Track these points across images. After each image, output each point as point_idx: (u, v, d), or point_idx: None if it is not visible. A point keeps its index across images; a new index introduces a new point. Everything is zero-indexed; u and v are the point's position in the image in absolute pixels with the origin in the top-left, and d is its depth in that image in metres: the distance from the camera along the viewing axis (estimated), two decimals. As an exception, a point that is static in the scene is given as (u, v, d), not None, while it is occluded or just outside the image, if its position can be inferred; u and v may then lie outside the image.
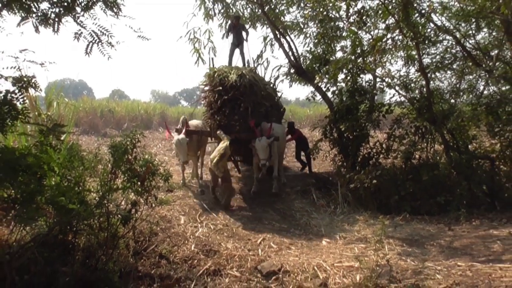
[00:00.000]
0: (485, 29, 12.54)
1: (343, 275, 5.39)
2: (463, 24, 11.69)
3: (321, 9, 11.65)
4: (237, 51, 12.60)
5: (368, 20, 10.16)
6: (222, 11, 13.27)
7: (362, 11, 9.36)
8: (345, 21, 12.20)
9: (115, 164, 5.19)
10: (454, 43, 10.93)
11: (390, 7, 8.84)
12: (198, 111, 33.04)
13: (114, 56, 5.27)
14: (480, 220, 7.82)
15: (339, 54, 12.24)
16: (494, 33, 12.85)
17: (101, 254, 5.40)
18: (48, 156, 4.60)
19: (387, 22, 9.85)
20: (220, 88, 10.16)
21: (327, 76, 10.54)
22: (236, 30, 12.37)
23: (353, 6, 9.42)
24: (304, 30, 13.40)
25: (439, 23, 10.13)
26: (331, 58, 11.85)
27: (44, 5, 4.94)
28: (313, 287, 5.24)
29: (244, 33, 12.48)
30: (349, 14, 9.71)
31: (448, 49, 11.36)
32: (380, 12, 9.52)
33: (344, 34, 12.18)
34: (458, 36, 10.59)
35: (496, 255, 5.76)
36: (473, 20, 11.26)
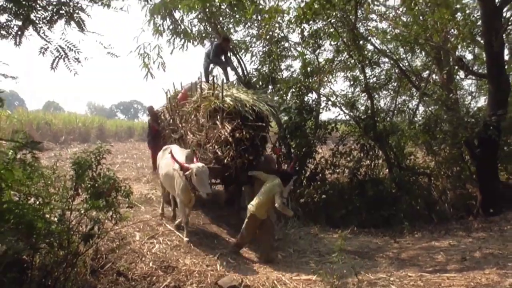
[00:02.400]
0: (419, 54, 13.46)
1: (303, 288, 5.52)
2: (400, 49, 12.49)
3: (268, 30, 11.99)
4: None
5: (320, 42, 10.56)
6: (170, 27, 13.27)
7: (316, 34, 9.75)
8: (290, 42, 12.65)
9: (78, 181, 5.04)
10: (392, 65, 11.65)
11: (340, 30, 9.31)
12: (136, 124, 32.61)
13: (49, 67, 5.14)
14: (421, 232, 8.30)
15: (285, 73, 12.66)
16: (425, 58, 13.83)
17: (60, 273, 5.21)
18: (9, 173, 4.41)
19: (337, 43, 10.33)
20: (239, 121, 8.23)
21: (278, 94, 10.81)
22: (223, 49, 10.97)
23: (307, 30, 9.79)
24: (251, 49, 13.72)
25: (381, 46, 10.80)
26: (277, 77, 12.22)
27: (3, 17, 4.78)
28: (275, 301, 5.35)
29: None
30: (304, 37, 10.07)
31: (387, 71, 12.07)
32: (330, 35, 10.00)
33: (290, 54, 12.65)
34: (395, 58, 11.31)
35: (441, 265, 6.15)
36: (409, 45, 12.06)
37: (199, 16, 12.55)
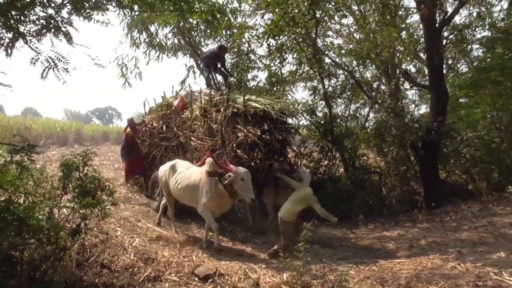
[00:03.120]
0: (370, 67, 13.90)
1: (272, 275, 5.64)
2: (354, 62, 12.88)
3: (238, 44, 12.14)
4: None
5: (285, 55, 10.75)
6: (146, 40, 13.26)
7: (281, 48, 9.96)
8: (256, 54, 12.81)
9: (65, 180, 5.02)
10: (347, 76, 12.01)
11: (302, 45, 9.55)
12: (111, 129, 32.06)
13: (28, 74, 5.14)
14: (374, 224, 8.59)
15: (252, 83, 12.80)
16: (375, 71, 14.30)
17: (48, 267, 5.15)
18: (2, 175, 4.38)
19: (299, 57, 10.55)
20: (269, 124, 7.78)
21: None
22: (220, 58, 10.32)
23: (273, 44, 9.98)
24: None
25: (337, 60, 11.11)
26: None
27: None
28: (247, 286, 5.43)
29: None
30: (270, 50, 10.26)
31: (343, 82, 12.42)
32: (293, 50, 10.23)
33: (256, 65, 12.84)
34: (350, 70, 11.67)
35: (392, 252, 6.40)
36: (361, 59, 12.46)
37: (174, 30, 12.61)
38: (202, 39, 13.51)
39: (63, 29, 4.98)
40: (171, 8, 5.00)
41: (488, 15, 13.71)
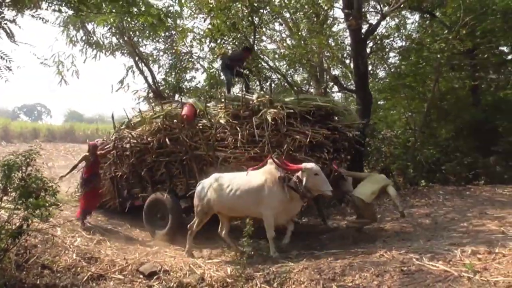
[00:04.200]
0: (301, 71, 14.37)
1: (217, 270, 5.64)
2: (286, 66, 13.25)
3: (179, 45, 11.98)
4: None
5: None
6: (83, 38, 12.64)
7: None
8: (194, 55, 12.73)
9: (7, 181, 4.70)
10: (280, 79, 12.34)
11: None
12: (41, 126, 30.12)
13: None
14: (309, 217, 8.89)
15: (193, 83, 12.72)
16: (306, 75, 14.80)
17: (-14, 270, 4.80)
18: None
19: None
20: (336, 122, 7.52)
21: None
22: (243, 59, 9.21)
23: (215, 48, 9.99)
24: (158, 60, 13.55)
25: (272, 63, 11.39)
26: (183, 86, 12.26)
27: None
28: (193, 282, 5.40)
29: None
30: (212, 53, 10.26)
31: (277, 84, 12.74)
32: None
33: (194, 66, 12.77)
34: (283, 74, 12.02)
35: (327, 244, 6.67)
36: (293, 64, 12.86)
37: (112, 29, 12.16)
38: (140, 39, 13.17)
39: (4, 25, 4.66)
40: (119, 10, 4.85)
41: (404, 26, 14.74)
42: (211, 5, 9.29)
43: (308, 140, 6.62)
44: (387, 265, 4.87)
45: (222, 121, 7.22)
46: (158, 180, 7.90)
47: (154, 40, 13.17)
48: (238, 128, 7.02)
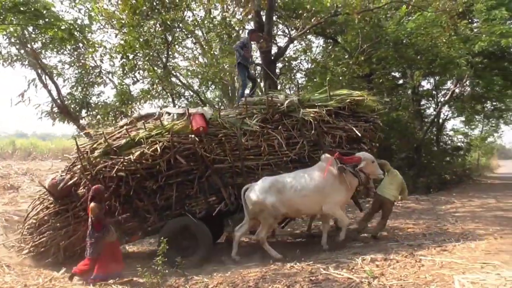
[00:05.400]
0: (213, 89, 14.64)
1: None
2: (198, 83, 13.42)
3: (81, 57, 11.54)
4: None
5: (138, 75, 10.58)
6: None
7: (135, 67, 9.82)
8: (104, 70, 12.33)
9: None
10: (193, 96, 12.47)
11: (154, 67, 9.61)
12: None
13: None
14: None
15: (98, 99, 12.25)
16: (218, 92, 15.11)
17: None
18: None
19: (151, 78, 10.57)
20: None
21: (97, 118, 10.43)
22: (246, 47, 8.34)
23: (126, 64, 9.77)
24: (63, 73, 12.87)
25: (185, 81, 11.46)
26: (90, 101, 11.79)
27: None
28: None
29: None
30: (124, 69, 10.00)
31: (190, 101, 12.83)
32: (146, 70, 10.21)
33: (102, 81, 12.35)
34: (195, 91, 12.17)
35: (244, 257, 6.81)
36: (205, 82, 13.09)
37: (11, 39, 11.32)
38: (44, 51, 12.39)
39: None
40: (26, 22, 4.63)
41: (310, 50, 15.79)
42: (123, 21, 9.17)
43: (345, 136, 6.79)
44: (297, 276, 5.18)
45: (254, 127, 6.76)
46: (165, 206, 6.76)
47: (59, 52, 12.51)
48: (273, 133, 6.75)
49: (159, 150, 6.36)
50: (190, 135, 6.57)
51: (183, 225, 6.61)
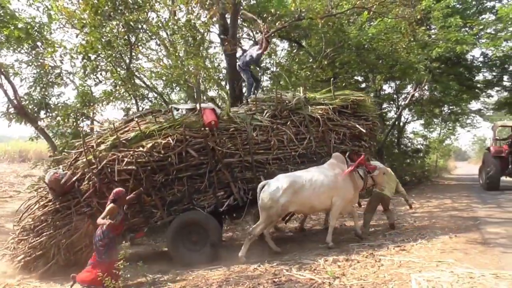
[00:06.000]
0: (178, 91, 14.52)
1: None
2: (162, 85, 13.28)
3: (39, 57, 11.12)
4: None
5: (100, 76, 10.29)
6: None
7: (97, 68, 9.58)
8: (64, 71, 11.98)
9: None
10: (157, 98, 12.33)
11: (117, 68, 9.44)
12: None
13: None
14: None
15: (58, 100, 11.87)
16: (183, 94, 15.00)
17: None
18: None
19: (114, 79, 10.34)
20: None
21: (56, 119, 10.11)
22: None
23: (88, 65, 9.51)
24: (20, 73, 12.38)
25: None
26: (50, 102, 11.43)
27: None
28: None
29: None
30: (85, 70, 9.74)
31: (154, 103, 12.67)
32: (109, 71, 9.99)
33: (62, 81, 11.99)
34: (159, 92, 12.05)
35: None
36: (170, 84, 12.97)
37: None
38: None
39: None
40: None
41: (275, 53, 15.94)
42: (84, 21, 8.95)
43: (348, 133, 7.37)
44: (260, 278, 5.24)
45: (265, 122, 7.11)
46: (172, 201, 6.73)
47: (16, 51, 12.04)
48: (282, 128, 7.11)
49: (172, 142, 6.45)
50: (202, 129, 6.73)
51: (193, 219, 6.67)
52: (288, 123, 7.21)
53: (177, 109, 7.30)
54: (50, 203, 6.58)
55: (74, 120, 10.21)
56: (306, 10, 10.82)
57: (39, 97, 11.44)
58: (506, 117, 23.66)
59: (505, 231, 6.75)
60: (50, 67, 10.91)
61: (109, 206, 5.61)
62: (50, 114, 10.78)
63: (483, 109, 27.38)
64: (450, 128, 27.78)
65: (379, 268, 5.20)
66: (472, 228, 7.21)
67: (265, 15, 12.71)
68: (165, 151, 6.48)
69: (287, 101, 7.44)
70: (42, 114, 11.37)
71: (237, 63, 9.14)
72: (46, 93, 11.57)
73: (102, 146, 6.62)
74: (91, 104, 10.06)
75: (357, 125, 7.38)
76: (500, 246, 5.80)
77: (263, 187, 6.45)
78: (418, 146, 22.31)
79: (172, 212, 6.68)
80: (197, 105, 7.16)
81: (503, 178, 13.95)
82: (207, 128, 6.73)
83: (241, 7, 11.88)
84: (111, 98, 9.75)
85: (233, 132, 6.96)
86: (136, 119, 6.91)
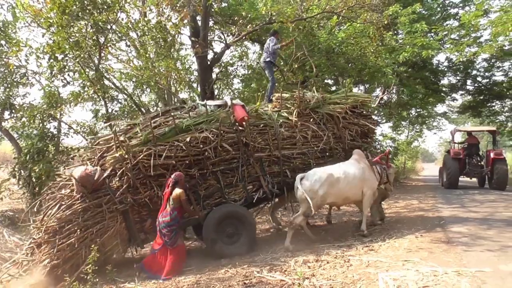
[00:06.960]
0: (148, 92, 14.35)
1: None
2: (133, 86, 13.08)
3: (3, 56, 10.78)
4: None
5: (68, 77, 10.02)
6: None
7: (64, 69, 9.36)
8: (29, 71, 11.66)
9: None
10: (127, 100, 12.15)
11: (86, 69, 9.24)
12: None
13: None
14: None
15: (24, 100, 11.54)
16: (153, 96, 14.84)
17: None
18: None
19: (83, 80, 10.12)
20: None
21: (22, 121, 9.81)
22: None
23: (55, 65, 9.26)
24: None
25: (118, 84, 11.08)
26: (14, 102, 11.09)
27: None
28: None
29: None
30: (52, 71, 9.49)
31: (124, 105, 12.46)
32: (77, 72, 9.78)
33: (28, 81, 11.65)
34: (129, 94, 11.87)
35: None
36: (141, 85, 12.80)
37: None
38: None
39: None
40: None
41: (246, 56, 16.00)
42: (51, 21, 8.72)
43: (360, 130, 8.14)
44: (231, 280, 5.26)
45: (293, 118, 7.58)
46: (206, 195, 6.89)
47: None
48: (306, 124, 7.63)
49: (210, 136, 6.65)
50: (235, 124, 7.01)
51: (229, 212, 6.83)
52: (311, 120, 7.75)
53: (204, 105, 7.38)
54: (78, 202, 6.24)
55: (40, 121, 9.92)
56: (277, 13, 10.93)
57: (3, 97, 11.09)
58: (469, 120, 24.54)
59: (467, 230, 6.99)
60: (15, 67, 10.59)
61: (176, 191, 6.01)
62: (15, 115, 10.46)
63: (448, 112, 28.46)
64: (418, 130, 28.54)
65: (348, 268, 5.31)
66: (437, 228, 7.43)
67: (236, 18, 12.75)
68: (202, 145, 6.68)
69: (308, 100, 7.87)
70: (7, 114, 11.05)
71: (261, 59, 9.68)
72: (11, 93, 11.23)
73: (134, 141, 6.50)
74: (59, 105, 9.79)
75: (367, 123, 8.16)
76: (462, 244, 6.00)
77: (300, 180, 6.77)
78: (387, 148, 22.75)
79: (206, 206, 6.82)
80: (228, 101, 7.41)
81: (461, 178, 15.52)
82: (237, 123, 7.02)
83: (212, 10, 11.89)
84: (79, 99, 9.52)
85: (264, 128, 7.34)
86: (172, 114, 6.91)
